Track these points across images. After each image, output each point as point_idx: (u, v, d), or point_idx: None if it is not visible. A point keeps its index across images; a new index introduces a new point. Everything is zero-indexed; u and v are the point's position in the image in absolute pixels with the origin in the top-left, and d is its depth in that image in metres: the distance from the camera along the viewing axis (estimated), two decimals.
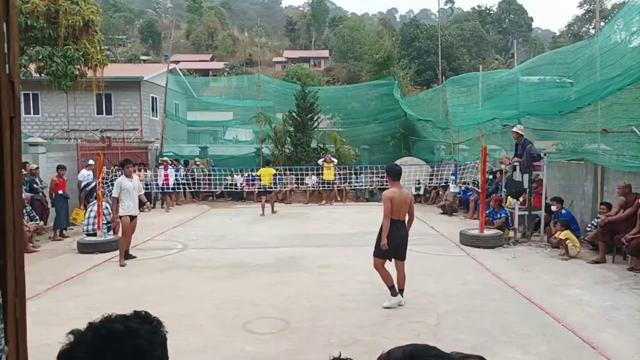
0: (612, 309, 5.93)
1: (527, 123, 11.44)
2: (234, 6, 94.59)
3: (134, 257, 8.79)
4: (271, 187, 14.97)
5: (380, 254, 6.16)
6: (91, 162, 13.01)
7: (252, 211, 15.27)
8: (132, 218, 8.68)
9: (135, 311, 1.19)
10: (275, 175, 15.23)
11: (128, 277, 7.70)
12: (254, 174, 17.64)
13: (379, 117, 21.58)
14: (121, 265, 8.31)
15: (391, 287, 6.14)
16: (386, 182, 17.60)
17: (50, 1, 12.07)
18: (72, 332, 1.10)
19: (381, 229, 6.10)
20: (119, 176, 9.50)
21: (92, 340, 1.07)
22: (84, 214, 10.96)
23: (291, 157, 18.59)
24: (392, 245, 6.02)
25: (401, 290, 6.21)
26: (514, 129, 10.25)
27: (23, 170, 10.02)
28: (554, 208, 9.78)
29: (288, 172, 17.12)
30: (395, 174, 6.31)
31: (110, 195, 12.35)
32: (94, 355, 1.05)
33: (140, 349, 1.08)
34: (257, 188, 16.04)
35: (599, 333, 5.15)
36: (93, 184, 12.27)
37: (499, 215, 10.83)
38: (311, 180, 17.21)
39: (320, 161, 17.27)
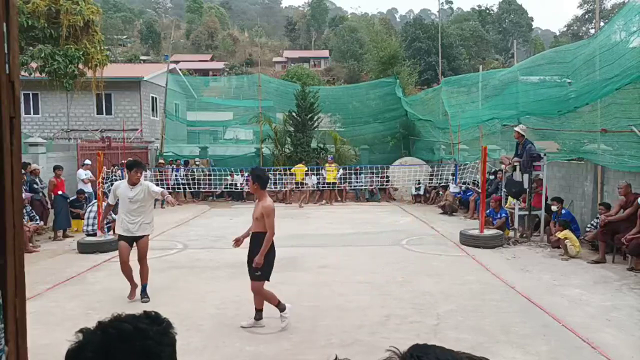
0: (612, 309, 5.93)
1: (526, 123, 11.44)
2: (234, 6, 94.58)
3: (147, 299, 6.51)
4: (304, 184, 16.71)
5: (266, 275, 5.42)
6: (88, 162, 12.99)
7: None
8: (131, 240, 6.38)
9: (145, 311, 1.18)
10: (306, 172, 16.80)
11: None
12: None
13: (380, 116, 21.58)
14: (129, 298, 6.52)
15: (279, 303, 5.48)
16: (387, 181, 17.68)
17: (51, 1, 12.08)
18: (81, 331, 1.09)
19: (261, 245, 5.32)
20: (119, 177, 9.23)
21: (101, 339, 1.06)
22: (84, 215, 10.92)
23: (291, 157, 18.59)
24: (273, 262, 5.46)
25: (260, 310, 5.57)
26: (516, 129, 10.25)
27: (23, 170, 10.01)
28: (554, 208, 9.78)
29: (289, 171, 17.17)
30: (265, 182, 5.56)
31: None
32: (102, 355, 1.05)
33: (148, 350, 1.08)
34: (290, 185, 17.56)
35: (599, 333, 5.15)
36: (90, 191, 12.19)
37: (499, 215, 10.83)
38: (311, 180, 17.23)
39: (329, 158, 17.61)
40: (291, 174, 17.07)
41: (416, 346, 1.00)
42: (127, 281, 6.49)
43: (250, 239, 5.50)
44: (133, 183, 6.36)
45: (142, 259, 6.47)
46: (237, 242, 5.65)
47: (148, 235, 6.52)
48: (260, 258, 5.26)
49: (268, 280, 5.45)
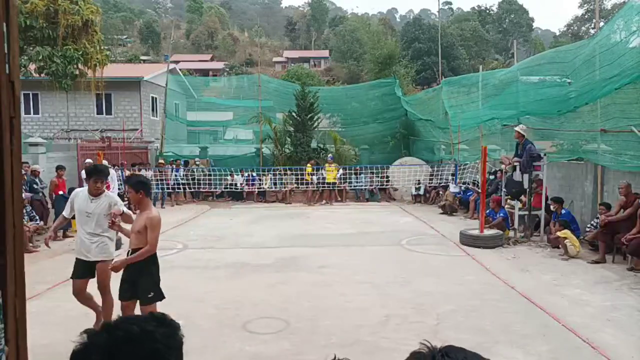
0: (612, 309, 5.93)
1: (526, 123, 11.45)
2: (234, 6, 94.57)
3: None
4: (311, 182, 16.93)
5: (161, 294, 4.68)
6: (89, 160, 12.99)
7: (252, 211, 15.28)
8: (88, 267, 5.16)
9: (151, 312, 1.17)
10: (311, 172, 16.97)
11: None
12: (254, 174, 17.71)
13: (379, 117, 21.59)
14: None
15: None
16: (387, 181, 17.65)
17: (50, 1, 12.08)
18: (85, 332, 1.08)
19: (143, 262, 4.59)
20: (119, 177, 8.79)
21: (107, 341, 1.05)
22: None
23: (291, 157, 18.60)
24: (158, 280, 4.76)
25: None
26: (516, 129, 10.25)
27: (23, 170, 10.00)
28: (553, 208, 9.80)
29: (289, 171, 17.19)
30: (150, 188, 4.88)
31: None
32: (108, 357, 1.03)
33: (156, 353, 1.06)
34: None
35: (599, 333, 5.15)
36: None
37: (497, 215, 10.83)
38: (311, 180, 17.25)
39: (329, 157, 17.60)
40: (293, 174, 17.08)
41: (450, 346, 1.00)
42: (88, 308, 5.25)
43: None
44: (94, 194, 5.17)
45: (103, 290, 5.16)
46: (116, 269, 4.73)
47: (110, 260, 5.16)
48: (123, 263, 4.56)
49: (164, 298, 4.72)
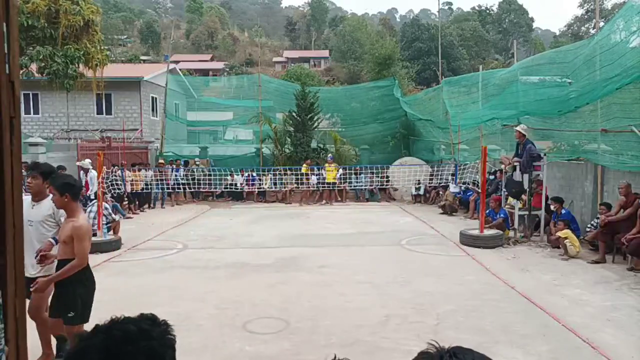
0: (612, 309, 5.93)
1: (526, 123, 11.45)
2: (234, 6, 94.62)
3: None
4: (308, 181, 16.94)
5: (84, 316, 4.11)
6: (88, 160, 12.98)
7: (252, 211, 15.28)
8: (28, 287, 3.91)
9: (142, 314, 1.16)
10: (311, 173, 17.03)
11: (128, 277, 7.70)
12: (254, 174, 17.70)
13: (379, 117, 21.58)
14: None
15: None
16: (387, 181, 17.64)
17: (51, 1, 12.10)
18: (77, 336, 1.08)
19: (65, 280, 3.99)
20: (119, 177, 8.57)
21: (104, 342, 1.05)
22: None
23: (291, 157, 18.59)
24: (92, 299, 4.23)
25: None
26: (517, 128, 10.24)
27: (23, 170, 9.99)
28: (553, 208, 9.79)
29: (289, 172, 17.18)
30: (79, 192, 4.29)
31: (111, 195, 12.37)
32: (108, 357, 1.03)
33: (153, 352, 1.07)
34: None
35: (599, 333, 5.15)
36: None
37: (498, 216, 10.83)
38: (311, 180, 17.23)
39: (329, 157, 17.60)
40: (293, 174, 17.08)
41: (458, 347, 1.00)
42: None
43: (57, 269, 4.16)
44: (35, 198, 4.45)
45: (35, 313, 4.25)
46: (39, 290, 4.03)
47: (47, 275, 4.21)
48: (48, 283, 3.97)
49: (87, 321, 4.10)
